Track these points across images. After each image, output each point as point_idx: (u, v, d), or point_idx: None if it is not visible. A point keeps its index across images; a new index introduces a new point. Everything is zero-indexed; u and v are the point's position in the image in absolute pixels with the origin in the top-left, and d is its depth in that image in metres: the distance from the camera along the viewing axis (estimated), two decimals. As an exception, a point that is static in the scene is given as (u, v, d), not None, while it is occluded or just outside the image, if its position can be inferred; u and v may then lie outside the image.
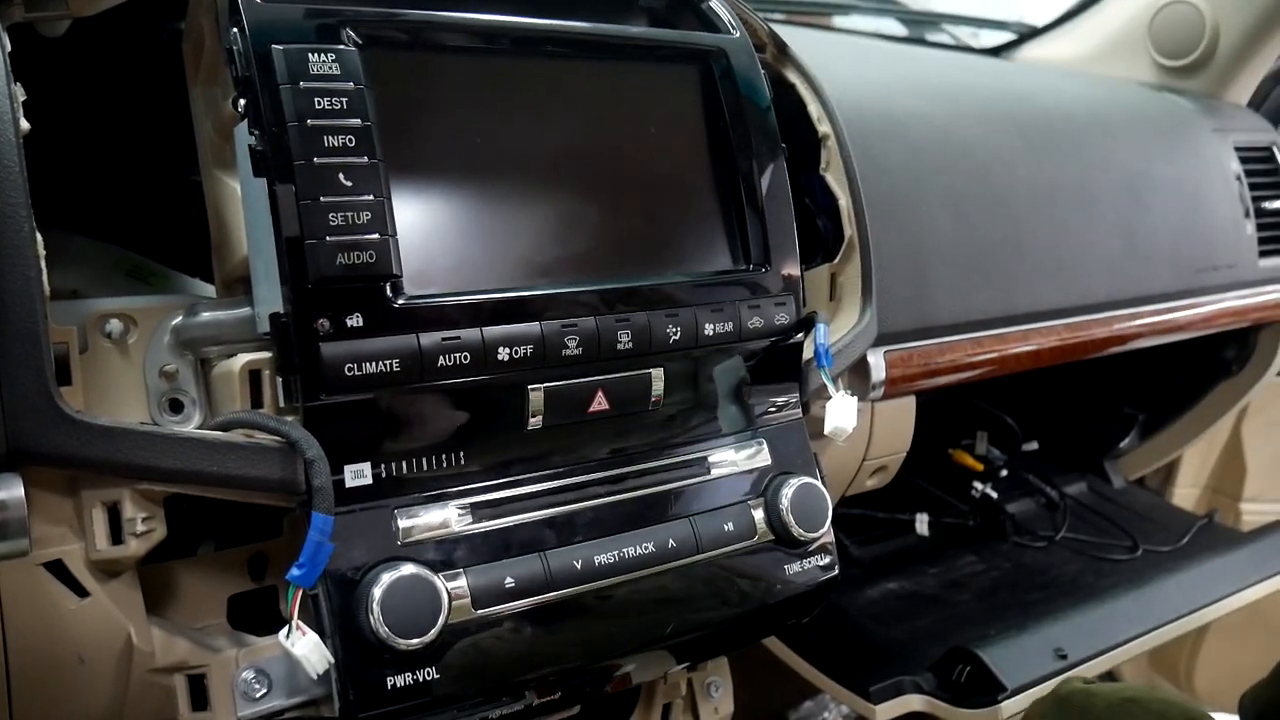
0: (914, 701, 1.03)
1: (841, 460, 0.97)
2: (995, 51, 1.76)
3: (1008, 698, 0.99)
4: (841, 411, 0.75)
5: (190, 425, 0.64)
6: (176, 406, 0.64)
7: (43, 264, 0.54)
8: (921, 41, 1.85)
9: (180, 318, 0.64)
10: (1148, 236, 1.24)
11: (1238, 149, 1.43)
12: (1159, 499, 1.68)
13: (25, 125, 0.55)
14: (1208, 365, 1.54)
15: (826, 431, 0.75)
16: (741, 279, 0.72)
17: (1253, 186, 1.42)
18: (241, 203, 0.64)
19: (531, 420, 0.64)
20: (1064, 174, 1.18)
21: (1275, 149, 1.49)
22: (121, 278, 0.77)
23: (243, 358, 0.62)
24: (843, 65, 1.09)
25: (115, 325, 0.63)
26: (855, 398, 0.76)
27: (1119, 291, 1.20)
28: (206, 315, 0.64)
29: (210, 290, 0.73)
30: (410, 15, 0.63)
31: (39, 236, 0.54)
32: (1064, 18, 1.69)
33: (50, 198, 0.59)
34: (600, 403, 0.66)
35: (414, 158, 0.61)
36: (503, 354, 0.61)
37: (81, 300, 0.64)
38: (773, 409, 0.76)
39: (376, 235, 0.58)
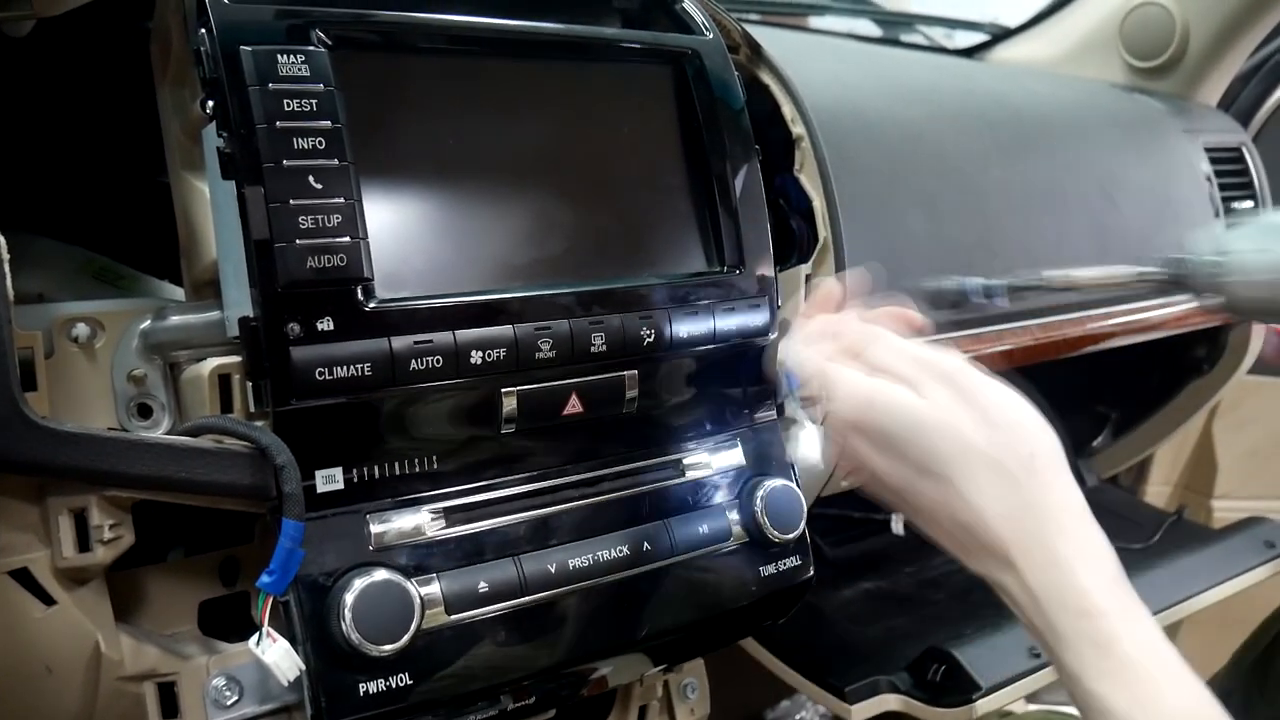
0: (889, 701, 1.04)
1: (817, 461, 0.97)
2: (969, 52, 1.77)
3: (982, 696, 1.00)
4: (807, 444, 0.75)
5: (159, 431, 0.63)
6: (145, 411, 0.63)
7: (6, 267, 0.53)
8: (896, 42, 1.86)
9: (148, 321, 0.63)
10: (1119, 237, 1.25)
11: (1208, 150, 1.44)
12: (1131, 497, 1.69)
13: (-12, 127, 0.55)
14: (1179, 364, 1.55)
15: (794, 459, 0.76)
16: (715, 281, 0.72)
17: (1223, 187, 1.43)
18: (210, 205, 0.63)
19: (505, 424, 0.63)
20: (1036, 175, 1.19)
21: (1245, 150, 1.50)
22: (89, 280, 0.76)
23: (212, 362, 0.61)
24: (817, 66, 1.09)
25: (82, 329, 0.61)
26: (820, 429, 0.76)
27: (1092, 291, 1.20)
28: (175, 319, 0.63)
29: (179, 293, 0.72)
30: (380, 16, 0.62)
31: (2, 239, 0.53)
32: (1036, 19, 1.70)
33: (15, 199, 0.59)
34: (574, 405, 0.65)
35: (385, 160, 0.61)
36: (475, 357, 0.61)
37: (47, 304, 0.63)
38: (747, 411, 0.76)
39: (347, 238, 0.57)
